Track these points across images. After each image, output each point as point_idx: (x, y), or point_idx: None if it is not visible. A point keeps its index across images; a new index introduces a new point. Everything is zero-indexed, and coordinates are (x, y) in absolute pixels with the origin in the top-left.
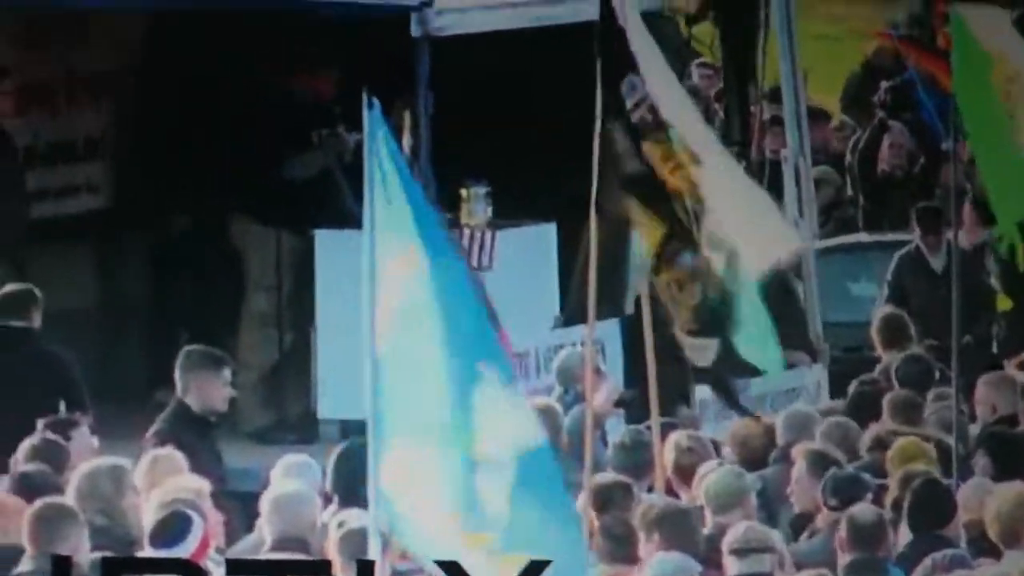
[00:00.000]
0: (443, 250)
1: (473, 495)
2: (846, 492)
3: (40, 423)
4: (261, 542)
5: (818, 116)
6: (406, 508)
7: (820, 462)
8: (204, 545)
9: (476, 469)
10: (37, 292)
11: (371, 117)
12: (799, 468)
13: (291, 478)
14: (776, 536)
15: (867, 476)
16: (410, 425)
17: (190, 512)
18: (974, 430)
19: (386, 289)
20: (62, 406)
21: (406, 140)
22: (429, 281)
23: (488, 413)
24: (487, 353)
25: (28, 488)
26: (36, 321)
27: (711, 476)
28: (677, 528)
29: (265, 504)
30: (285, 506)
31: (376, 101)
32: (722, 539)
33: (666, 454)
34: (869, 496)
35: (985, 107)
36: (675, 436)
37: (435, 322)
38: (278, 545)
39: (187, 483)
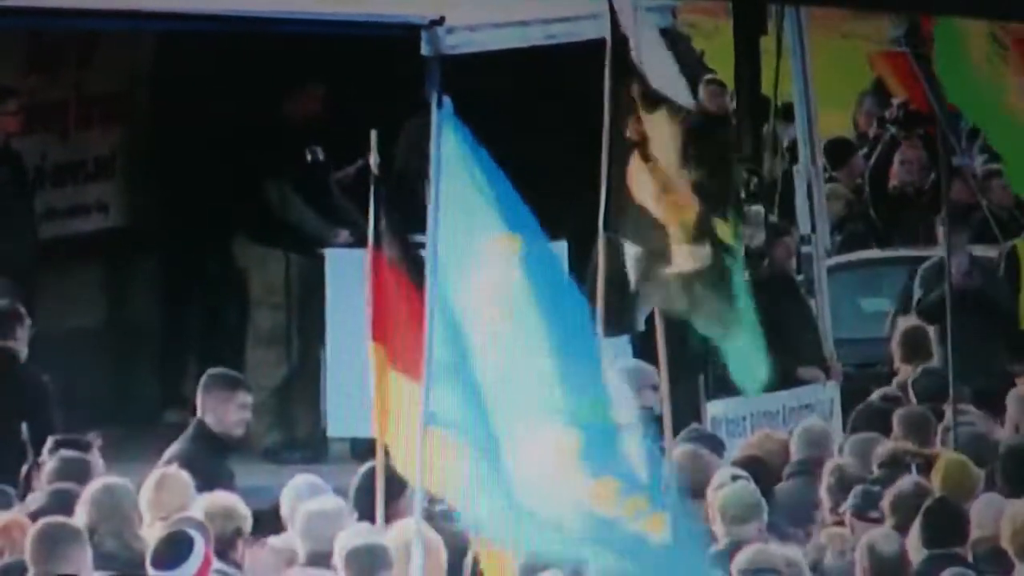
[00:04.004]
0: (537, 235)
1: (623, 461)
2: (865, 507)
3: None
4: (281, 560)
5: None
6: (535, 502)
7: (842, 479)
8: (206, 565)
9: (617, 436)
10: (22, 311)
11: (441, 114)
12: (826, 483)
13: (302, 499)
14: (792, 555)
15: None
16: (527, 410)
17: (192, 532)
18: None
19: (483, 269)
20: (24, 430)
21: (373, 159)
22: (527, 263)
23: (609, 381)
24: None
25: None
26: (20, 341)
27: (726, 490)
28: None
29: (298, 520)
30: (318, 522)
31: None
32: (736, 551)
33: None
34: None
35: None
36: (678, 451)
37: (536, 301)
38: (310, 561)
39: (192, 502)
